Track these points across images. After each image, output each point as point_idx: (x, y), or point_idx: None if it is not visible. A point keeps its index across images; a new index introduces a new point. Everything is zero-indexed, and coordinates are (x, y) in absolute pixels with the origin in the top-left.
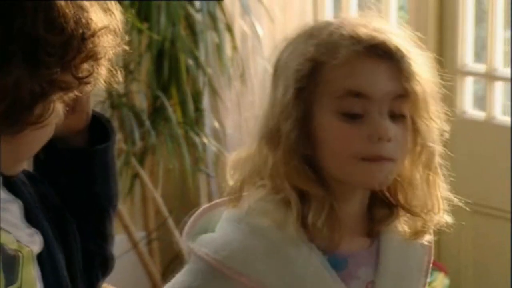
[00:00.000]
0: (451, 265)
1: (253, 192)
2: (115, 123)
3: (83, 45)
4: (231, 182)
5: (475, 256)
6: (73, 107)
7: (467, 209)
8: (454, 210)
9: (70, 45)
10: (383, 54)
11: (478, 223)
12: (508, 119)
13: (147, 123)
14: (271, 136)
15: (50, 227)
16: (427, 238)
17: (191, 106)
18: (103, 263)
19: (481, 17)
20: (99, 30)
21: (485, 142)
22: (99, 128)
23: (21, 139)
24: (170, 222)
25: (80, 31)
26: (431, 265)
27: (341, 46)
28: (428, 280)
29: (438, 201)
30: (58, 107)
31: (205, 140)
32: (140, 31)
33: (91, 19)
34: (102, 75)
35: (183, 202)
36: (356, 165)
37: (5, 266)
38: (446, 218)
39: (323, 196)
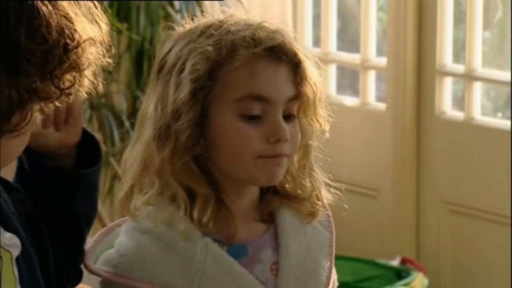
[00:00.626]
0: (430, 265)
1: (141, 196)
2: (95, 124)
3: (66, 56)
4: (123, 187)
5: (454, 255)
6: (66, 120)
7: (342, 189)
8: (433, 210)
9: (52, 55)
10: (281, 56)
11: (457, 223)
12: (485, 119)
13: (127, 123)
14: (159, 133)
15: (25, 233)
16: (322, 216)
17: None
18: (71, 278)
19: (460, 18)
20: (83, 42)
21: (463, 142)
22: (86, 147)
23: None
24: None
25: (63, 41)
26: (334, 240)
27: (241, 47)
28: (333, 259)
29: (315, 189)
30: (35, 116)
31: None
32: (119, 32)
33: (75, 29)
34: (84, 86)
35: None
36: (255, 164)
37: None
38: (329, 197)
39: (209, 194)
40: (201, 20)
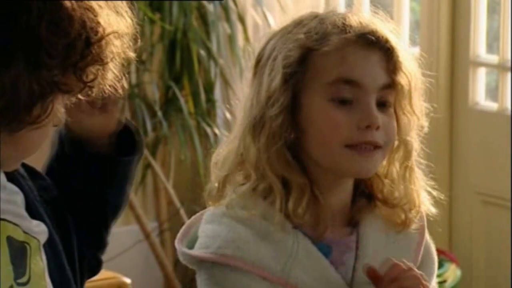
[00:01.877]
0: (462, 256)
1: (236, 188)
2: (127, 114)
3: (88, 49)
4: (214, 180)
5: (487, 247)
6: (102, 107)
7: (444, 201)
8: (466, 201)
9: (74, 48)
10: (373, 43)
11: (490, 214)
12: None
13: (159, 113)
14: (254, 123)
15: (50, 220)
16: (415, 227)
17: (203, 97)
18: (91, 268)
19: (494, 8)
20: (107, 35)
21: (497, 133)
22: (127, 139)
23: (19, 139)
24: (182, 213)
25: (85, 34)
26: (423, 246)
27: (332, 33)
28: (420, 259)
29: (414, 197)
30: (58, 109)
31: (217, 131)
32: (152, 22)
33: (98, 22)
34: (108, 80)
35: (195, 193)
36: (342, 153)
37: (14, 259)
38: (431, 209)
39: (304, 184)
40: (297, 16)
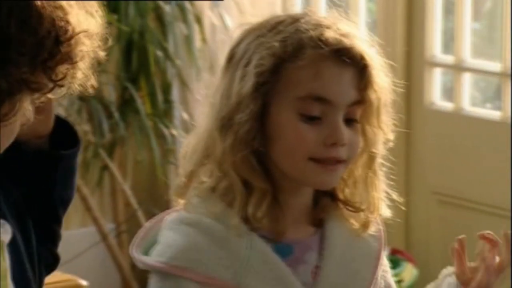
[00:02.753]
0: (419, 255)
1: (198, 185)
2: (84, 115)
3: (57, 48)
4: (182, 172)
5: (443, 246)
6: (41, 109)
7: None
8: (422, 201)
9: (43, 46)
10: (348, 59)
11: (446, 213)
12: (474, 109)
13: (116, 115)
14: (222, 124)
15: (12, 219)
16: (374, 229)
17: (160, 97)
18: (49, 265)
19: (449, 8)
20: (76, 34)
21: (453, 133)
22: (62, 133)
23: None
24: (140, 214)
25: (55, 33)
26: (383, 253)
27: (308, 46)
28: (382, 268)
29: (374, 201)
30: (25, 107)
31: (175, 132)
32: (108, 23)
33: (68, 21)
34: (78, 79)
35: (153, 194)
36: (308, 166)
37: None
38: (386, 213)
39: (266, 189)
40: (275, 15)
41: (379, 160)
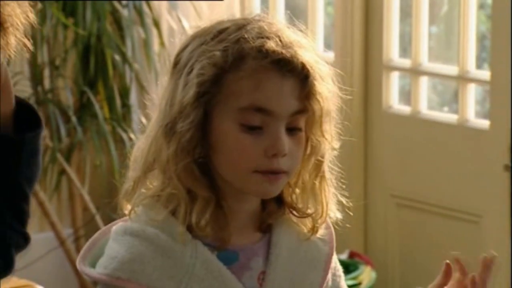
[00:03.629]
0: (377, 258)
1: (143, 192)
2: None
3: None
4: (129, 179)
5: (402, 249)
6: None
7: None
8: (380, 204)
9: None
10: (289, 70)
11: (404, 217)
12: (432, 113)
13: (74, 119)
14: (166, 131)
15: None
16: (321, 233)
17: (118, 102)
18: (19, 245)
19: (407, 12)
20: None
21: (410, 136)
22: (24, 115)
23: None
24: (98, 219)
25: None
26: (333, 256)
27: (248, 57)
28: (333, 272)
29: (322, 206)
30: None
31: (133, 136)
32: (65, 27)
33: None
34: (12, 45)
35: (111, 199)
36: (250, 177)
37: None
38: (337, 215)
39: (210, 197)
40: (220, 21)
41: (326, 165)
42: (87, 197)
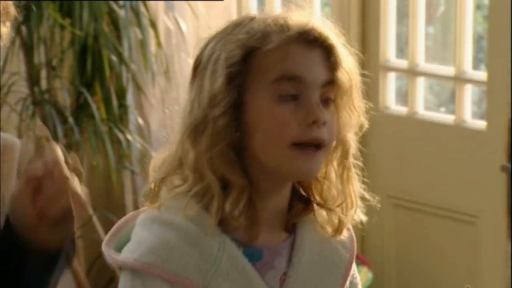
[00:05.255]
0: (374, 259)
1: (171, 189)
2: (38, 120)
3: None
4: (151, 181)
5: (398, 249)
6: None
7: (378, 205)
8: (376, 205)
9: None
10: (313, 40)
11: (401, 217)
12: (428, 113)
13: (71, 119)
14: (196, 125)
15: None
16: (346, 234)
17: (115, 102)
18: None
19: (403, 13)
20: None
21: (407, 137)
22: None
23: None
24: (95, 220)
25: None
26: (353, 263)
27: (273, 32)
28: (351, 278)
29: (351, 196)
30: None
31: (129, 137)
32: (62, 27)
33: None
34: (3, 35)
35: (108, 200)
36: (290, 153)
37: None
38: (361, 216)
39: (244, 186)
40: (232, 20)
41: (352, 152)
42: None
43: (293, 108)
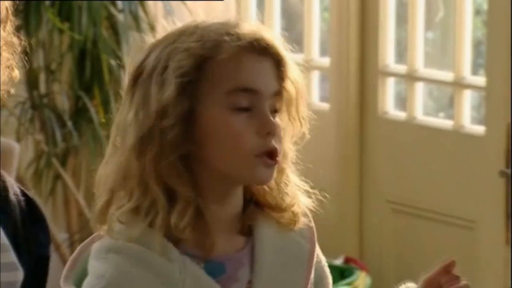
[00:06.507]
0: (373, 264)
1: (119, 207)
2: (37, 124)
3: None
4: (98, 201)
5: (397, 254)
6: None
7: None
8: (376, 209)
9: None
10: (264, 50)
11: (399, 222)
12: (427, 119)
13: (69, 124)
14: (140, 138)
15: None
16: (303, 222)
17: (114, 106)
18: None
19: (402, 18)
20: None
21: (406, 142)
22: None
23: None
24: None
25: None
26: (315, 252)
27: (225, 41)
28: (316, 265)
29: (290, 197)
30: None
31: None
32: (61, 31)
33: None
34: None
35: None
36: (250, 162)
37: None
38: (306, 203)
39: (191, 197)
40: (174, 28)
41: (290, 158)
42: (82, 202)
43: (246, 119)
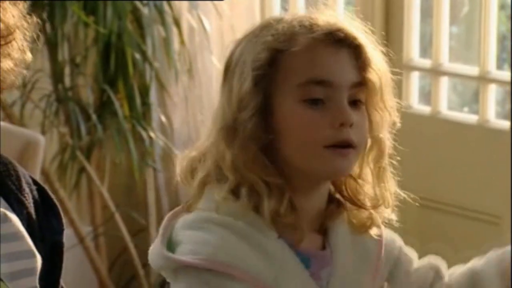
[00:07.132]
0: None
1: (215, 190)
2: (61, 117)
3: None
4: (187, 184)
5: (421, 249)
6: None
7: (416, 204)
8: (401, 205)
9: None
10: (341, 41)
11: (425, 218)
12: (452, 113)
13: (94, 117)
14: (227, 129)
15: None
16: (375, 232)
17: (138, 100)
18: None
19: (427, 12)
20: None
21: (430, 136)
22: None
23: None
24: (117, 217)
25: None
26: (382, 259)
27: (300, 33)
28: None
29: (387, 195)
30: None
31: (152, 135)
32: (86, 25)
33: None
34: (13, 55)
35: (130, 197)
36: (320, 153)
37: None
38: (392, 215)
39: (283, 185)
40: (258, 23)
41: (388, 151)
42: (106, 195)
43: (320, 110)
